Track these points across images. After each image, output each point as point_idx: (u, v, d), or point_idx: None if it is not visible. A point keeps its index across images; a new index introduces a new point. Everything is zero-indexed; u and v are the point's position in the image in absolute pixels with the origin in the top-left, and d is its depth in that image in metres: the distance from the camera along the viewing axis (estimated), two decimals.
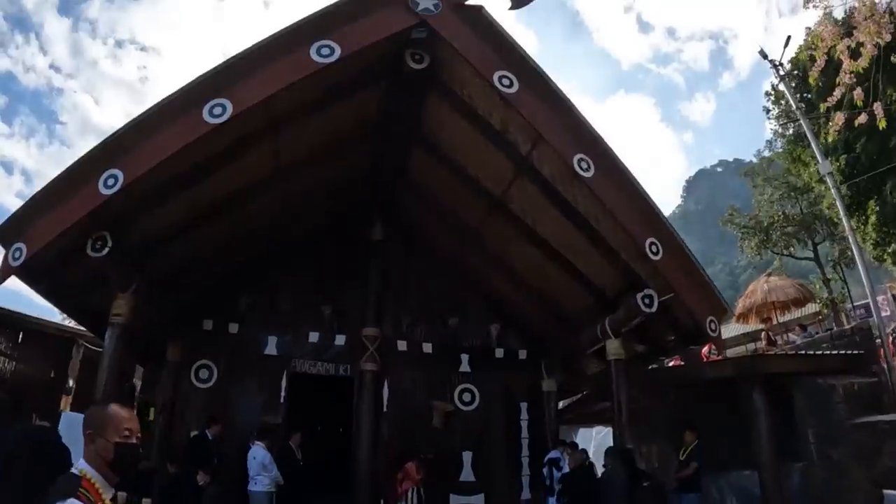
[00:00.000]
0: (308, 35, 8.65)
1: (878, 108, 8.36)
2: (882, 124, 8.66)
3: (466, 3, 9.37)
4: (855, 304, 28.84)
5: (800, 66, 25.72)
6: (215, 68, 8.48)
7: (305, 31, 8.71)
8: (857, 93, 8.28)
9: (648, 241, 9.95)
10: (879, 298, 24.49)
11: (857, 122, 8.92)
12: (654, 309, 10.24)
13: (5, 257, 7.97)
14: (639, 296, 10.26)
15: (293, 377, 13.00)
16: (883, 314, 15.22)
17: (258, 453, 10.26)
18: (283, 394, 12.79)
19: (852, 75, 8.17)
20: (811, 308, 26.56)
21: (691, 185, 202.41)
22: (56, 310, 11.29)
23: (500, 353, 14.17)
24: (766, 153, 39.05)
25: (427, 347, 13.72)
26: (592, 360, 14.05)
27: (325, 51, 8.60)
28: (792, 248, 34.22)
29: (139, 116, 8.34)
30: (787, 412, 10.42)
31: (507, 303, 14.28)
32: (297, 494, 10.72)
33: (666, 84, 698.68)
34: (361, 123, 11.53)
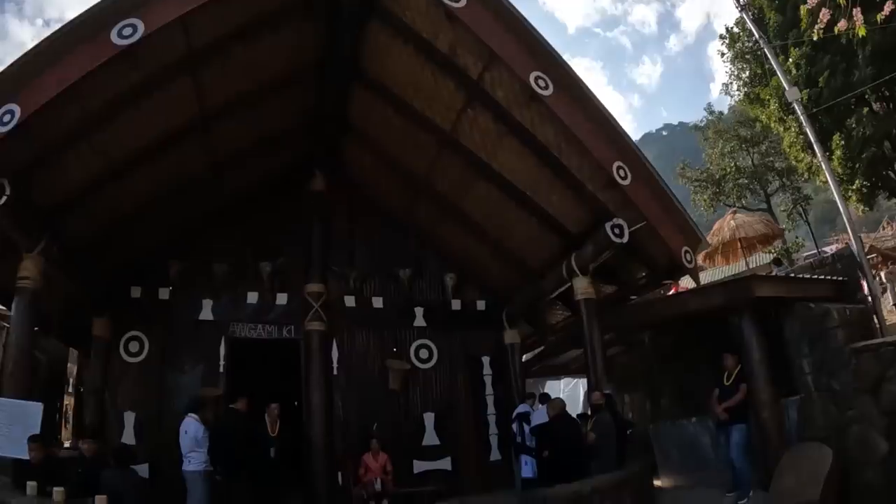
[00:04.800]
0: None
1: (857, 14, 7.66)
2: (862, 31, 7.95)
3: None
4: (806, 253, 28.67)
5: (754, 9, 25.16)
6: None
7: None
8: None
9: (615, 165, 9.22)
10: (832, 248, 24.15)
11: (837, 29, 8.27)
12: (625, 239, 9.45)
13: None
14: (608, 225, 9.45)
15: (233, 343, 11.84)
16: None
17: (190, 427, 8.72)
18: (222, 363, 11.62)
19: None
20: (766, 259, 26.08)
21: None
22: None
23: (456, 305, 13.17)
24: (717, 108, 38.98)
25: (377, 302, 12.65)
26: (557, 309, 13.24)
27: None
28: (744, 200, 33.94)
29: (39, 44, 7.37)
30: (778, 343, 9.57)
31: (462, 251, 13.24)
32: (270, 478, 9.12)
33: (613, 47, 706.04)
34: (295, 60, 10.43)
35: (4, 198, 7.47)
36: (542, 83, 8.80)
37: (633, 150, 9.59)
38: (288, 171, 12.80)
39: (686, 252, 9.83)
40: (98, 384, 11.13)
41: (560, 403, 9.28)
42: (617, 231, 9.40)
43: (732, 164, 33.38)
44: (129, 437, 10.89)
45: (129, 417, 11.03)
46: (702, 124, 40.25)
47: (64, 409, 15.13)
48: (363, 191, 13.41)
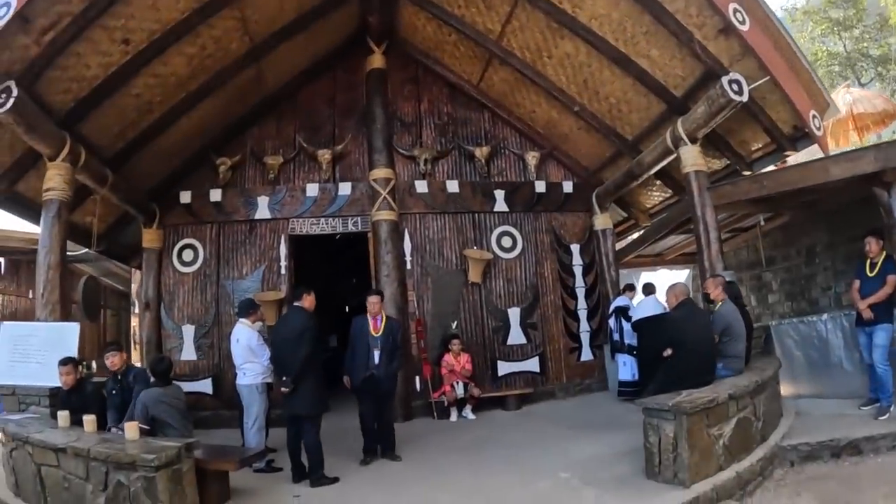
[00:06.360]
0: None
1: None
2: None
3: None
4: None
5: None
6: None
7: None
8: None
9: (731, 6, 7.50)
10: None
11: None
12: (745, 97, 7.75)
13: None
14: (725, 80, 7.75)
15: (294, 241, 10.87)
16: None
17: (242, 334, 7.32)
18: (283, 263, 10.69)
19: None
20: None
21: None
22: None
23: (541, 186, 11.68)
24: None
25: (452, 186, 11.26)
26: (653, 190, 11.77)
27: None
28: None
29: None
30: None
31: (544, 123, 11.65)
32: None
33: None
34: None
35: (12, 100, 6.71)
36: None
37: None
38: (340, 51, 11.51)
39: (814, 116, 8.17)
40: (153, 298, 10.58)
41: (684, 289, 7.35)
42: (735, 87, 7.72)
43: (823, 49, 30.64)
44: (189, 353, 10.41)
45: (188, 331, 10.49)
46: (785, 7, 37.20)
47: (133, 331, 14.90)
48: (427, 63, 11.82)
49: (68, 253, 12.06)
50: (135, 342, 14.17)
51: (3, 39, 6.42)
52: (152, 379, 6.53)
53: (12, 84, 6.73)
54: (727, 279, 7.86)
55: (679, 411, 5.32)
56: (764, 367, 7.21)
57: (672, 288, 7.13)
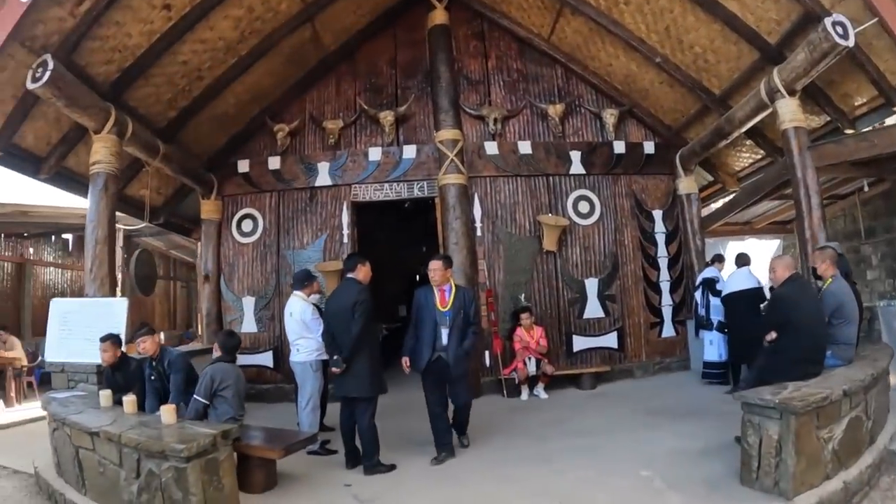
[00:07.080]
0: None
1: None
2: None
3: None
4: None
5: None
6: None
7: None
8: None
9: None
10: None
11: None
12: (850, 41, 6.73)
13: None
14: (828, 21, 6.72)
15: (356, 208, 10.40)
16: None
17: (295, 307, 6.92)
18: (345, 231, 10.25)
19: None
20: None
21: None
22: None
23: (620, 147, 10.81)
24: None
25: (524, 147, 10.50)
26: (742, 151, 10.78)
27: None
28: None
29: None
30: None
31: (622, 78, 10.72)
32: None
33: None
34: None
35: (48, 73, 6.54)
36: None
37: None
38: (400, 7, 10.92)
39: None
40: (212, 270, 10.49)
41: (793, 262, 6.18)
42: (840, 30, 6.70)
43: None
44: (249, 325, 10.21)
45: (249, 303, 10.29)
46: None
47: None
48: (493, 17, 11.04)
49: (132, 227, 12.18)
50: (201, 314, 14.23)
51: (36, 13, 6.24)
52: (217, 354, 6.14)
53: (48, 57, 6.57)
54: (839, 251, 6.88)
55: (787, 410, 4.43)
56: (876, 357, 6.20)
57: (779, 260, 6.00)
